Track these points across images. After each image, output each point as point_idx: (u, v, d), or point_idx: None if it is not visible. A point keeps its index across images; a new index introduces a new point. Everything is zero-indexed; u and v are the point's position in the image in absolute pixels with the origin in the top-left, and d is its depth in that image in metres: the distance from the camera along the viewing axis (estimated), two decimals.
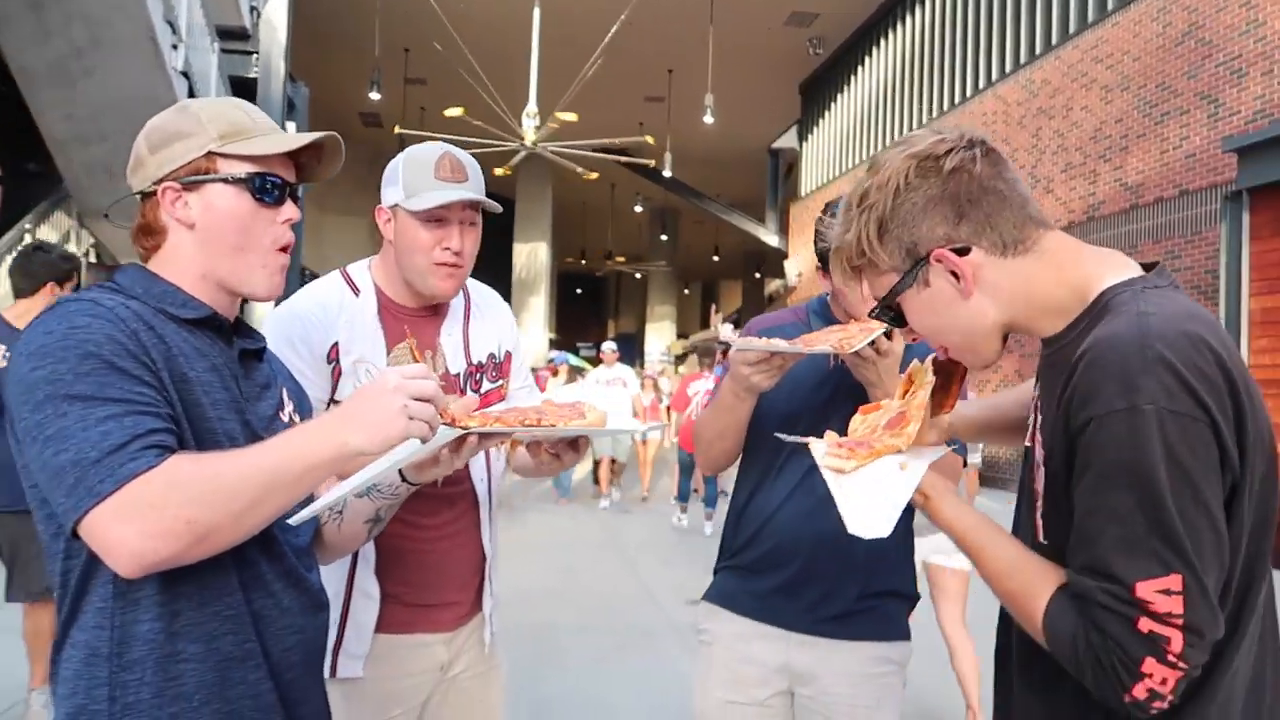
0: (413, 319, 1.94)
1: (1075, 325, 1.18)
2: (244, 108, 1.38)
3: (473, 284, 2.10)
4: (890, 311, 1.28)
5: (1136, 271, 1.20)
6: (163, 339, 1.25)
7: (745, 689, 2.04)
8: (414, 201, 1.82)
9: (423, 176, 1.83)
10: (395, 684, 1.87)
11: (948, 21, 15.26)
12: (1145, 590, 1.01)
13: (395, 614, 1.86)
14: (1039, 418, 1.23)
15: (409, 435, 1.17)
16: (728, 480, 8.68)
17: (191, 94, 9.60)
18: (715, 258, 34.27)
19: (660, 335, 32.74)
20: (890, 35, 17.35)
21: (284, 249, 1.38)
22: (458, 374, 1.97)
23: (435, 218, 1.83)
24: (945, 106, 15.25)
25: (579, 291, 38.10)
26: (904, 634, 2.07)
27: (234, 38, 12.27)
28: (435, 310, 1.98)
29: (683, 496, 10.29)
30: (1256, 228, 8.48)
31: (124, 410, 1.15)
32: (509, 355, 2.11)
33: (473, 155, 1.90)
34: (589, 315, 39.45)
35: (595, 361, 15.54)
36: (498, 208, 1.89)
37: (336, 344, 1.83)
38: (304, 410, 1.50)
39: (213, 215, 1.33)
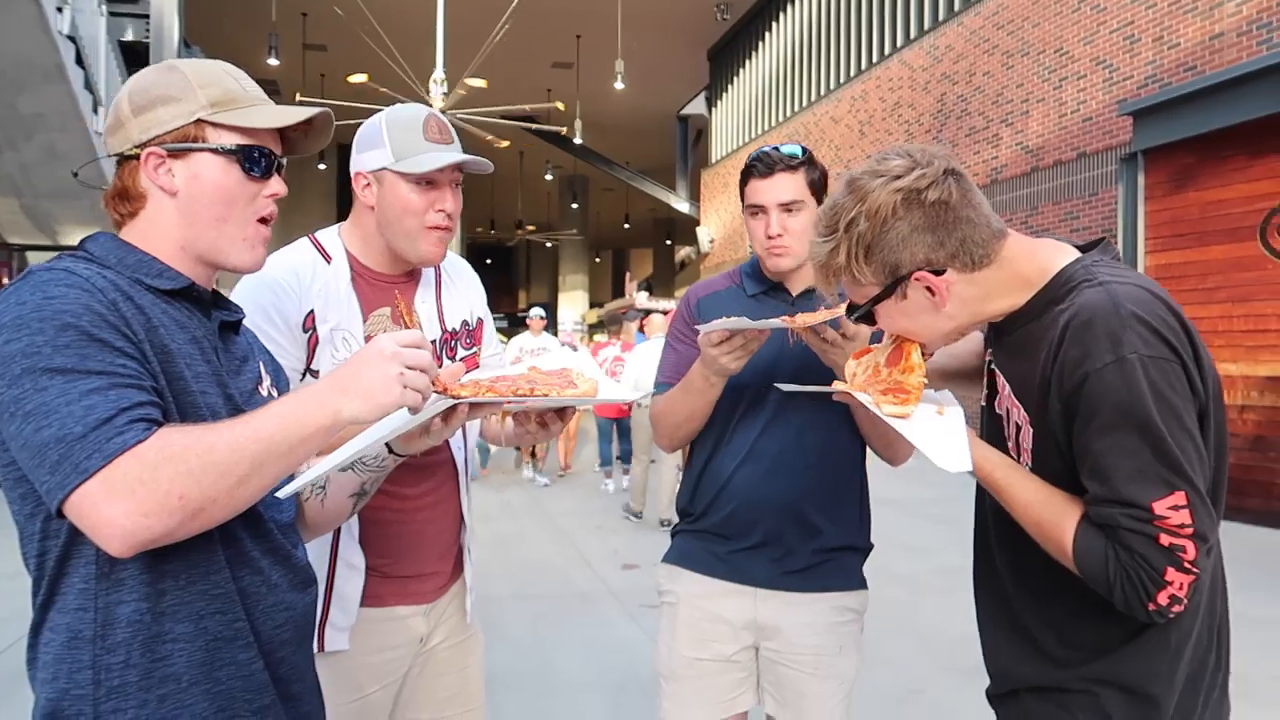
0: (387, 285, 1.90)
1: (1036, 300, 1.36)
2: (234, 74, 1.33)
3: None
4: (863, 319, 1.44)
5: (1076, 254, 1.38)
6: (142, 310, 1.20)
7: (712, 645, 2.09)
8: (408, 164, 1.77)
9: (413, 139, 1.78)
10: (376, 657, 1.85)
11: None
12: (1160, 508, 1.19)
13: (376, 587, 1.84)
14: (1007, 385, 1.42)
15: (403, 404, 1.15)
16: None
17: (79, 60, 9.06)
18: (626, 225, 34.24)
19: (573, 304, 32.62)
20: (796, 2, 17.49)
21: (264, 221, 1.34)
22: (434, 341, 1.95)
23: (428, 180, 1.79)
24: (852, 73, 15.49)
25: (489, 262, 37.62)
26: (861, 583, 2.15)
27: (123, 0, 11.62)
28: (409, 277, 1.94)
29: (605, 462, 10.55)
30: (1151, 188, 8.91)
31: (108, 383, 1.10)
32: (480, 322, 2.10)
33: None
34: (499, 286, 39.01)
35: (512, 332, 15.14)
36: (489, 166, 1.86)
37: (312, 311, 1.78)
38: (280, 384, 1.46)
39: (198, 185, 1.28)
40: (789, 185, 2.03)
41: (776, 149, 2.06)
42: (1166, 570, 1.19)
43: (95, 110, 9.54)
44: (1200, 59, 8.52)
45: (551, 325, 29.94)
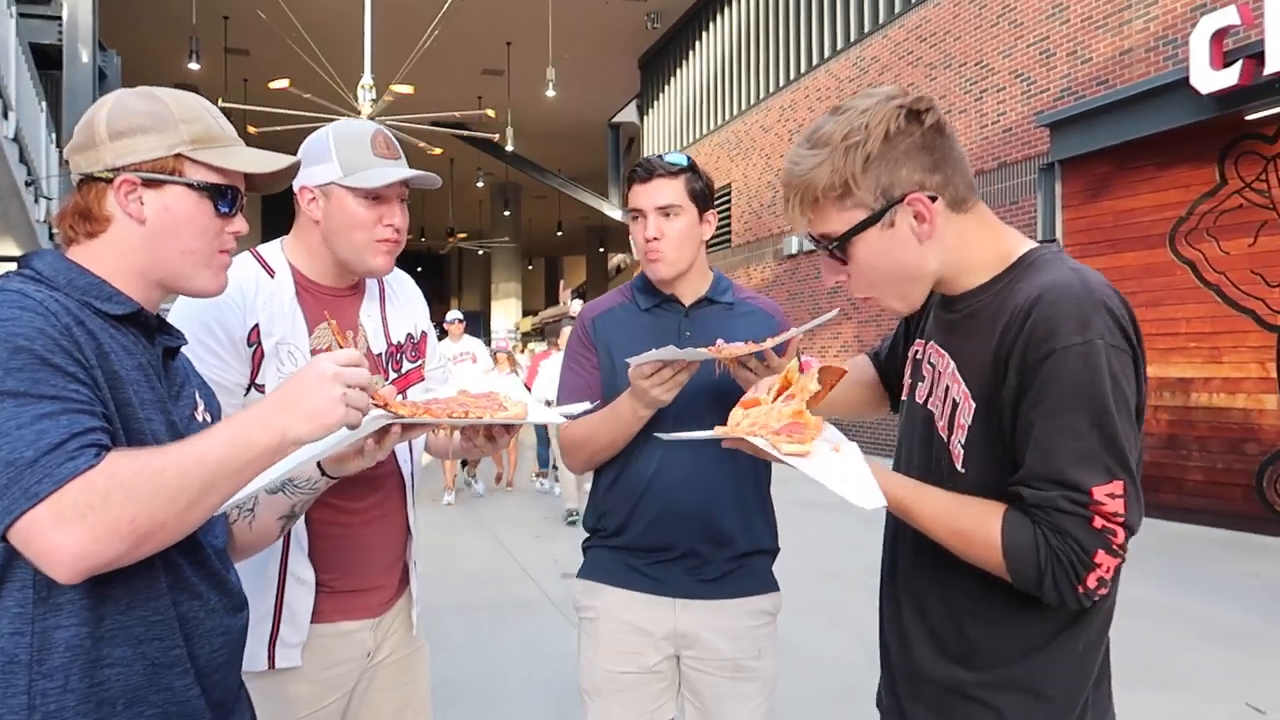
0: (332, 299, 1.89)
1: (997, 280, 1.35)
2: (213, 111, 1.34)
3: None
4: (837, 250, 1.35)
5: (1036, 245, 1.38)
6: (93, 335, 1.19)
7: (635, 658, 2.10)
8: (356, 179, 1.77)
9: (361, 154, 1.79)
10: (324, 674, 1.83)
11: (781, 0, 15.75)
12: (1099, 493, 1.20)
13: (323, 602, 1.83)
14: (951, 363, 1.39)
15: (346, 423, 1.16)
16: None
17: None
18: (559, 232, 34.19)
19: (506, 312, 32.43)
20: (726, 12, 17.73)
21: (225, 252, 1.37)
22: (379, 354, 1.95)
23: (375, 195, 1.80)
24: (781, 82, 15.75)
25: (420, 270, 37.19)
26: (774, 585, 2.19)
27: (34, 1, 11.22)
28: (354, 290, 1.94)
29: (544, 464, 10.73)
30: (1068, 196, 9.25)
31: (59, 408, 1.09)
32: (424, 335, 2.10)
33: (301, 130, 1.87)
34: (431, 294, 38.10)
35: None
36: (437, 181, 1.87)
37: (257, 325, 1.77)
38: (213, 409, 1.46)
39: (169, 216, 1.29)
40: (668, 190, 2.06)
41: (660, 157, 2.10)
42: (1097, 552, 1.20)
43: (5, 115, 9.19)
44: (1112, 73, 8.90)
45: (485, 333, 29.61)
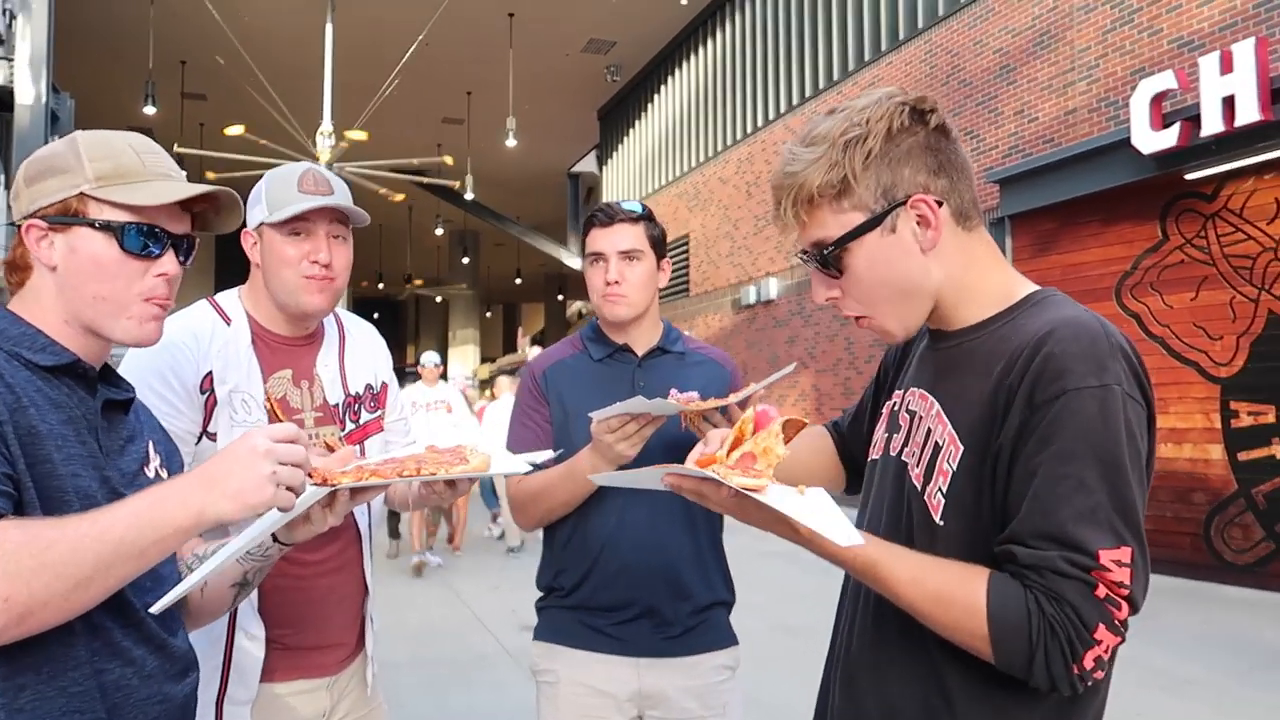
0: (287, 348, 1.87)
1: (998, 318, 1.23)
2: (137, 148, 1.28)
3: (346, 314, 2.07)
4: (832, 257, 1.23)
5: (1037, 287, 1.27)
6: (11, 388, 1.13)
7: None
8: (279, 214, 1.77)
9: (287, 191, 1.79)
10: None
11: (738, 56, 16.08)
12: (1105, 558, 1.05)
13: (277, 659, 1.77)
14: (936, 404, 1.25)
15: (274, 504, 1.10)
16: None
17: None
18: (518, 280, 34.17)
19: (464, 359, 32.20)
20: (685, 66, 18.06)
21: (154, 299, 1.27)
22: (336, 404, 1.92)
23: (299, 231, 1.79)
24: (739, 135, 16.03)
25: (376, 316, 36.86)
26: (733, 639, 2.17)
27: None
28: (310, 339, 1.92)
29: (490, 504, 10.66)
30: (1018, 250, 9.48)
31: None
32: (385, 386, 2.07)
33: (259, 175, 1.88)
34: (388, 340, 38.03)
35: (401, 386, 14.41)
36: (365, 218, 1.85)
37: (210, 373, 1.74)
38: (173, 465, 1.40)
39: (75, 260, 1.23)
40: (629, 234, 2.09)
41: (618, 203, 2.13)
42: (1098, 628, 1.05)
43: None
44: (1057, 132, 9.19)
45: (443, 380, 29.00)
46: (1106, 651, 1.06)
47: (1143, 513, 1.10)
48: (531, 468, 1.52)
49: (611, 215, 2.10)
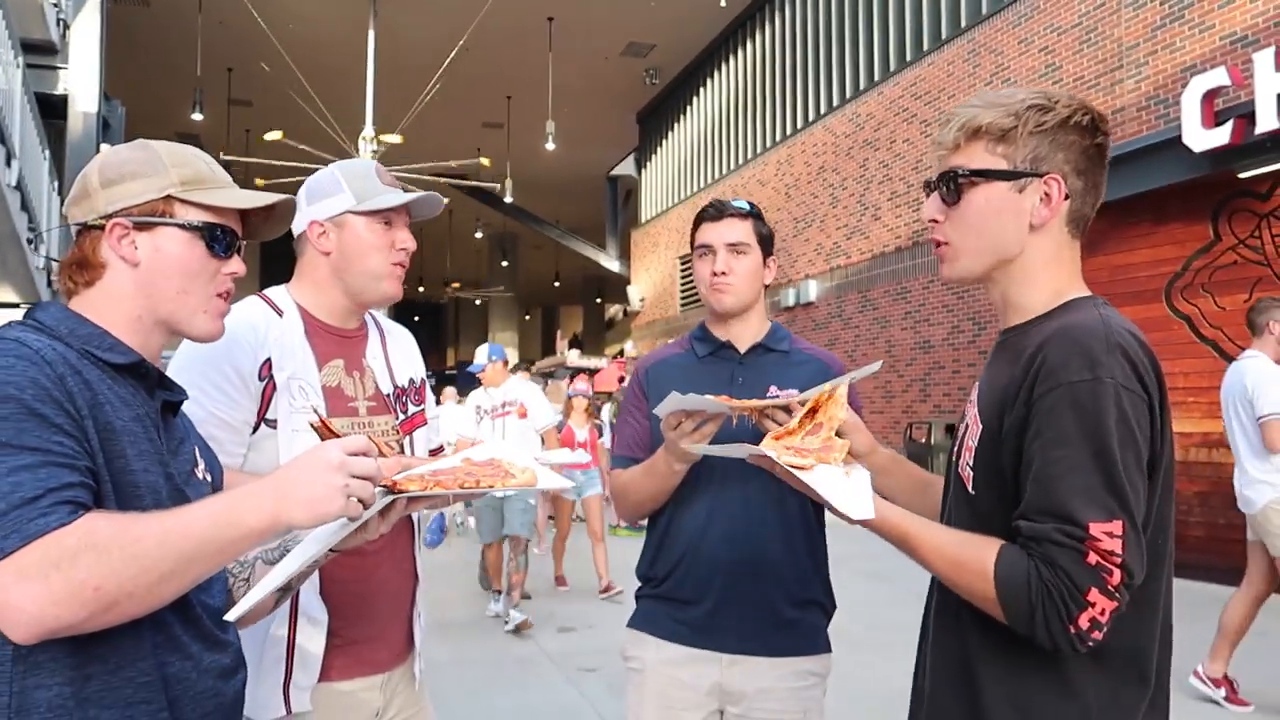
0: (339, 338, 1.92)
1: (1037, 319, 1.36)
2: (204, 158, 1.38)
3: (379, 315, 2.12)
4: (954, 187, 1.39)
5: (1090, 294, 1.40)
6: (89, 385, 1.18)
7: (678, 713, 2.08)
8: (373, 203, 1.85)
9: (370, 183, 1.87)
10: None
11: (778, 57, 16.02)
12: (1096, 530, 1.17)
13: (335, 656, 1.79)
14: (975, 390, 1.43)
15: (345, 515, 1.14)
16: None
17: None
18: (556, 283, 34.37)
19: None
20: (724, 68, 18.03)
21: (223, 295, 1.37)
22: (388, 394, 1.96)
23: (387, 220, 1.88)
24: (778, 138, 15.97)
25: (417, 319, 37.27)
26: (825, 647, 2.15)
27: (40, 51, 11.38)
28: (359, 331, 1.98)
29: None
30: None
31: (39, 460, 1.07)
32: (424, 381, 2.13)
33: (306, 179, 1.97)
34: (428, 343, 38.62)
35: (441, 390, 13.70)
36: (441, 203, 1.95)
37: (269, 360, 1.78)
38: (214, 471, 1.45)
39: (161, 258, 1.31)
40: (738, 228, 2.14)
41: (727, 199, 2.18)
42: (1090, 590, 1.16)
43: (8, 163, 9.25)
44: None
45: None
46: (1102, 614, 1.17)
47: (1140, 495, 1.20)
48: (572, 484, 1.56)
49: (721, 210, 2.15)
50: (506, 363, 6.99)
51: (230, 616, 1.22)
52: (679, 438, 1.83)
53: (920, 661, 1.50)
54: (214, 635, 1.30)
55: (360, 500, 1.14)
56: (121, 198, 1.29)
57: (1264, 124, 7.03)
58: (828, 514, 2.09)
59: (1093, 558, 1.16)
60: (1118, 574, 1.17)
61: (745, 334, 2.18)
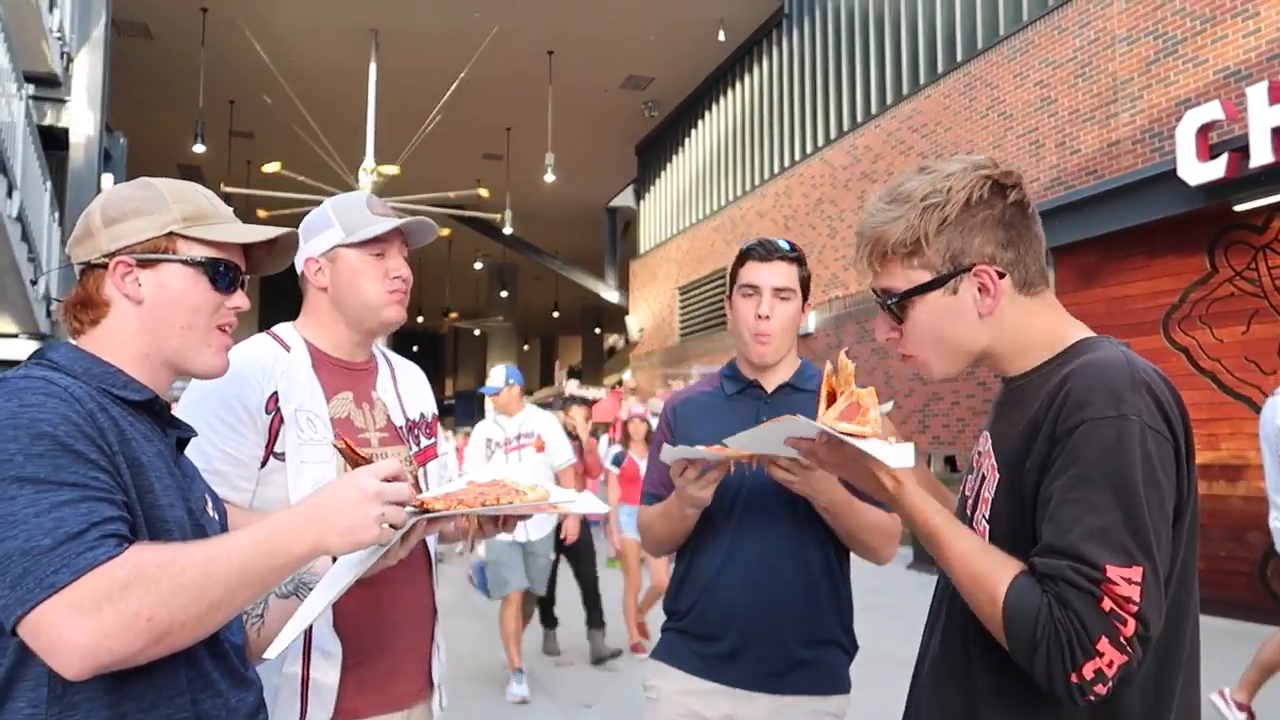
0: (347, 371, 1.93)
1: (1045, 365, 1.32)
2: (206, 194, 1.39)
3: (388, 352, 2.12)
4: (895, 306, 1.36)
5: (1093, 334, 1.36)
6: (116, 421, 1.19)
7: None
8: (359, 234, 1.86)
9: (359, 215, 1.88)
10: None
11: (775, 91, 16.16)
12: (1113, 573, 1.10)
13: (355, 694, 1.77)
14: (989, 440, 1.37)
15: (379, 541, 1.16)
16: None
17: None
18: (555, 313, 34.41)
19: None
20: (722, 101, 18.18)
21: (224, 330, 1.38)
22: (400, 426, 1.97)
23: (378, 252, 1.88)
24: (776, 170, 16.06)
25: (415, 349, 37.28)
26: (843, 687, 2.15)
27: (44, 84, 11.47)
28: (367, 365, 1.98)
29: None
30: (1061, 282, 9.35)
31: (79, 495, 1.08)
32: (435, 417, 2.13)
33: (306, 211, 1.97)
34: (427, 373, 38.43)
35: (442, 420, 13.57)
36: (434, 228, 1.95)
37: (275, 394, 1.79)
38: (219, 509, 1.45)
39: (165, 294, 1.31)
40: (785, 273, 2.12)
41: (774, 240, 2.15)
42: (1100, 639, 1.09)
43: (10, 194, 9.30)
44: (1100, 164, 9.09)
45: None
46: (1110, 667, 1.09)
47: (1164, 542, 1.15)
48: (603, 509, 1.60)
49: (770, 251, 2.13)
50: (524, 388, 6.08)
51: (270, 653, 1.22)
52: (685, 484, 1.86)
53: (912, 712, 1.45)
54: (240, 673, 1.30)
55: (394, 526, 1.17)
56: (124, 235, 1.30)
57: (1258, 157, 7.08)
58: (853, 555, 2.08)
59: (1107, 603, 1.09)
60: (1132, 624, 1.09)
61: (774, 374, 2.19)
